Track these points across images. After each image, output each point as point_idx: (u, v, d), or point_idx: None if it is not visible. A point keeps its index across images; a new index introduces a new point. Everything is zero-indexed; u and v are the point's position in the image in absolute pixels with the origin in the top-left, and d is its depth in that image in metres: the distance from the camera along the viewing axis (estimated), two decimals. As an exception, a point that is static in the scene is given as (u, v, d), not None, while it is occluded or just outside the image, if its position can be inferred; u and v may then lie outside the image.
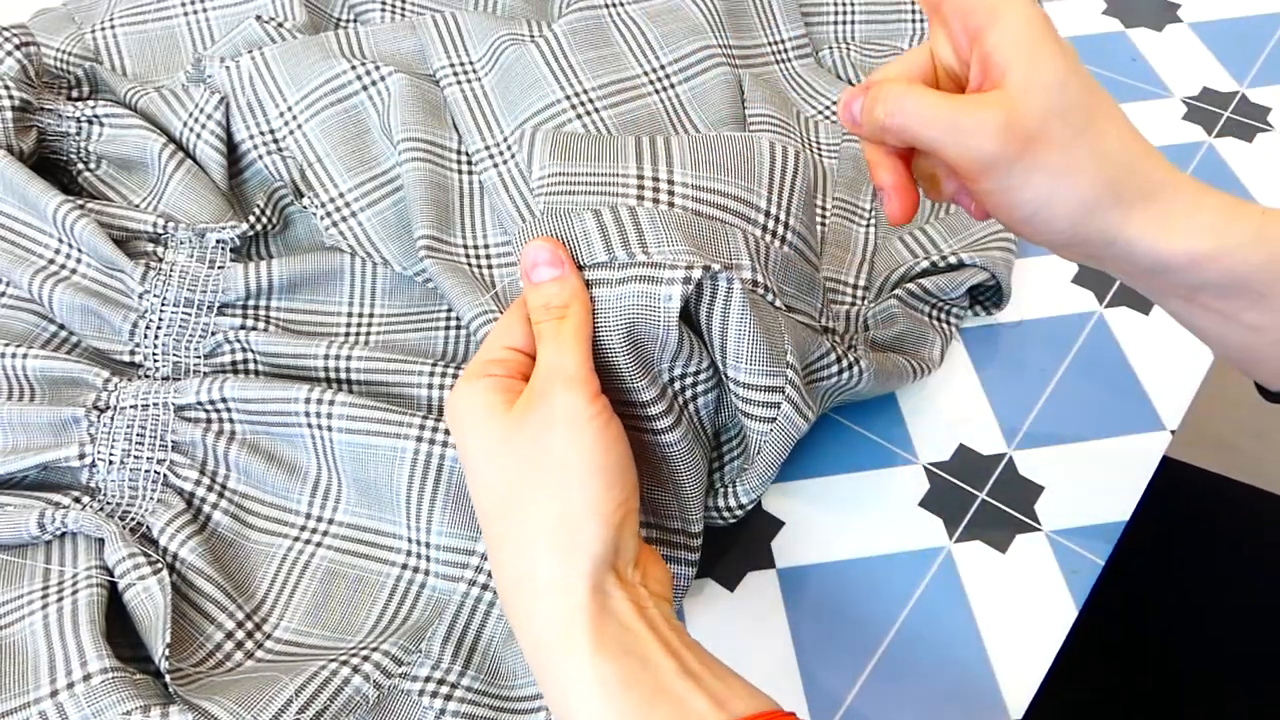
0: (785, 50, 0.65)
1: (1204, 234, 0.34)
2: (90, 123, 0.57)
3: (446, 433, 0.44)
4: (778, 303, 0.40)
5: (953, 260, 0.51)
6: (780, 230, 0.40)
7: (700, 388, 0.40)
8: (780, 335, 0.39)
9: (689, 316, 0.38)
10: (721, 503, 0.43)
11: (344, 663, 0.40)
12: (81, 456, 0.46)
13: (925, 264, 0.51)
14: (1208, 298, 0.35)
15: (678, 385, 0.40)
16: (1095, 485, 0.47)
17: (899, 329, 0.50)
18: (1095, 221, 0.34)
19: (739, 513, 0.43)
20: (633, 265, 0.36)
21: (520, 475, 0.33)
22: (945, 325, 0.51)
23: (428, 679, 0.40)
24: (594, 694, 0.30)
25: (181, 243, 0.53)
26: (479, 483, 0.34)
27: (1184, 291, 0.36)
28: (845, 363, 0.44)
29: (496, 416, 0.34)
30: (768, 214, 0.40)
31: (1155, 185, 0.34)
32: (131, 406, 0.47)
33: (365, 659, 0.40)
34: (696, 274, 0.36)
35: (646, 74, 0.58)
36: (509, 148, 0.57)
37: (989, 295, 0.52)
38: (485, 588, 0.43)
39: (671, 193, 0.38)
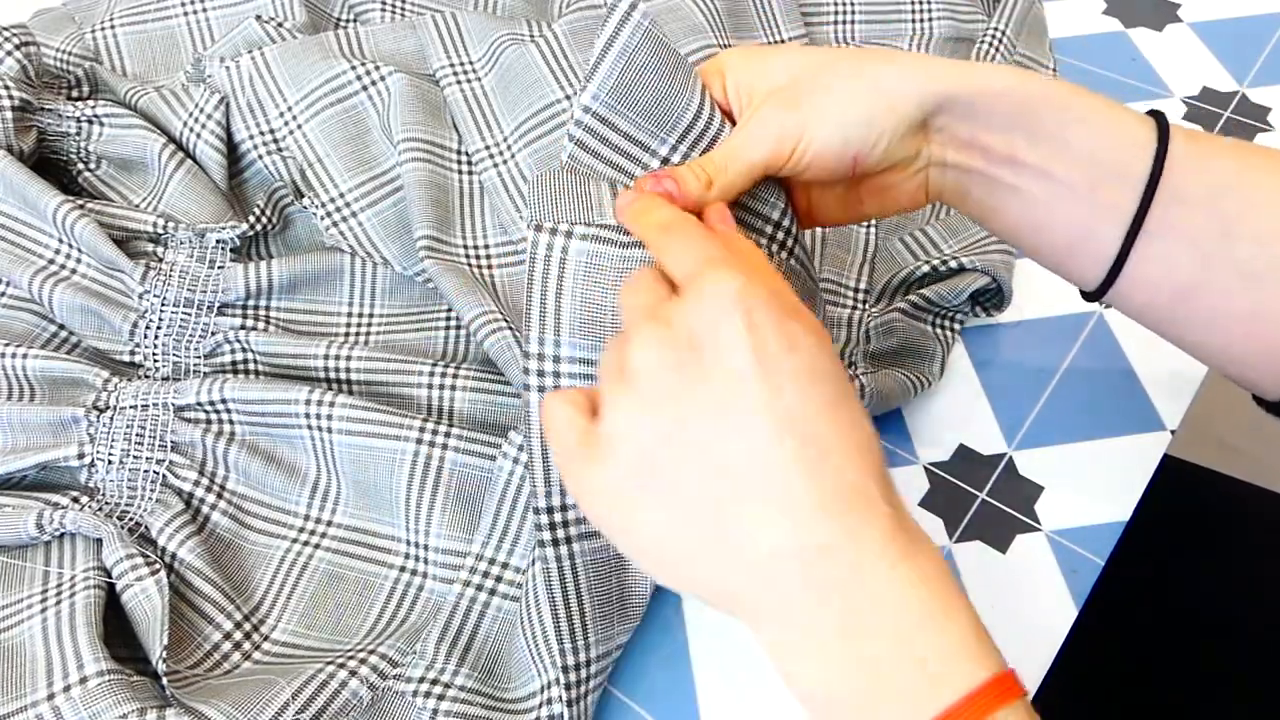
0: (785, 50, 0.65)
1: (970, 77, 0.37)
2: (90, 123, 0.57)
3: (446, 435, 0.44)
4: None
5: (953, 264, 0.51)
6: (789, 243, 0.40)
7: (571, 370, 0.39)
8: None
9: None
10: None
11: (341, 665, 0.40)
12: (81, 456, 0.46)
13: (926, 268, 0.51)
14: (989, 136, 0.37)
15: None
16: (1095, 485, 0.47)
17: (899, 340, 0.50)
18: (902, 118, 0.36)
19: None
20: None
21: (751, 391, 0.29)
22: (948, 333, 0.52)
23: (421, 679, 0.40)
24: (948, 590, 0.29)
25: (181, 243, 0.53)
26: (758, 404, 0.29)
27: (970, 135, 0.37)
28: (861, 390, 0.45)
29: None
30: (777, 225, 0.40)
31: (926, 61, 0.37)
32: (131, 406, 0.47)
33: (362, 661, 0.40)
34: None
35: (646, 74, 0.58)
36: (509, 148, 0.57)
37: (990, 298, 0.52)
38: (480, 589, 0.43)
39: None
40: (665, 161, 0.38)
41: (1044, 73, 0.64)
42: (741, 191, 0.37)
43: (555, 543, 0.38)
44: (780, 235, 0.40)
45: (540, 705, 0.39)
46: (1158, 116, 0.37)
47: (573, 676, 0.39)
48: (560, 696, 0.39)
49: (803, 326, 0.30)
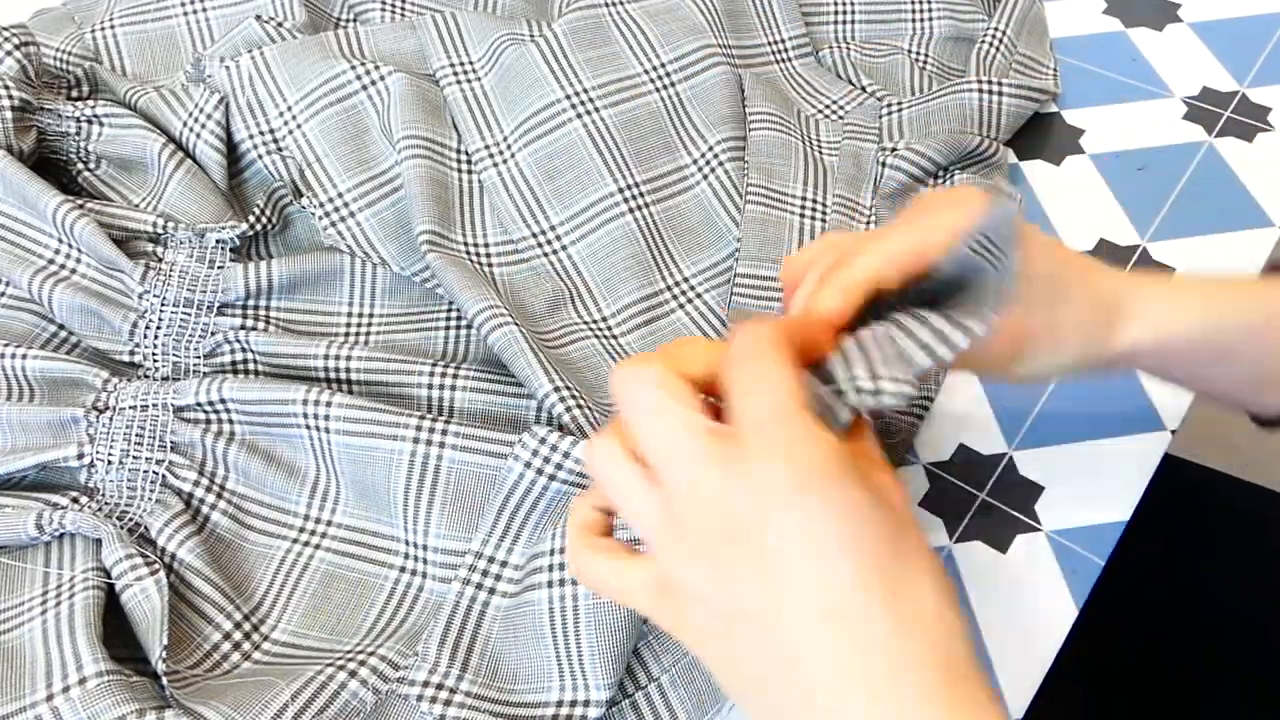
0: (785, 50, 0.65)
1: (1160, 324, 0.38)
2: (90, 123, 0.57)
3: (444, 433, 0.44)
4: None
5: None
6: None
7: None
8: None
9: None
10: None
11: (340, 667, 0.40)
12: (80, 456, 0.46)
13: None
14: (1173, 367, 0.41)
15: None
16: (1095, 485, 0.47)
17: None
18: (1092, 351, 0.38)
19: None
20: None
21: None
22: None
23: (425, 683, 0.40)
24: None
25: (181, 243, 0.53)
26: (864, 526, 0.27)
27: (1157, 365, 0.41)
28: None
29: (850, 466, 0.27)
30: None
31: (1121, 299, 0.38)
32: (131, 407, 0.47)
33: (362, 663, 0.40)
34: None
35: (647, 73, 0.58)
36: (509, 147, 0.57)
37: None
38: (480, 587, 0.43)
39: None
40: None
41: (1045, 73, 0.64)
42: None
43: None
44: None
45: (570, 718, 0.39)
46: None
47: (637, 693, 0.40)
48: (587, 716, 0.39)
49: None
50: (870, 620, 0.26)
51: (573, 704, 0.40)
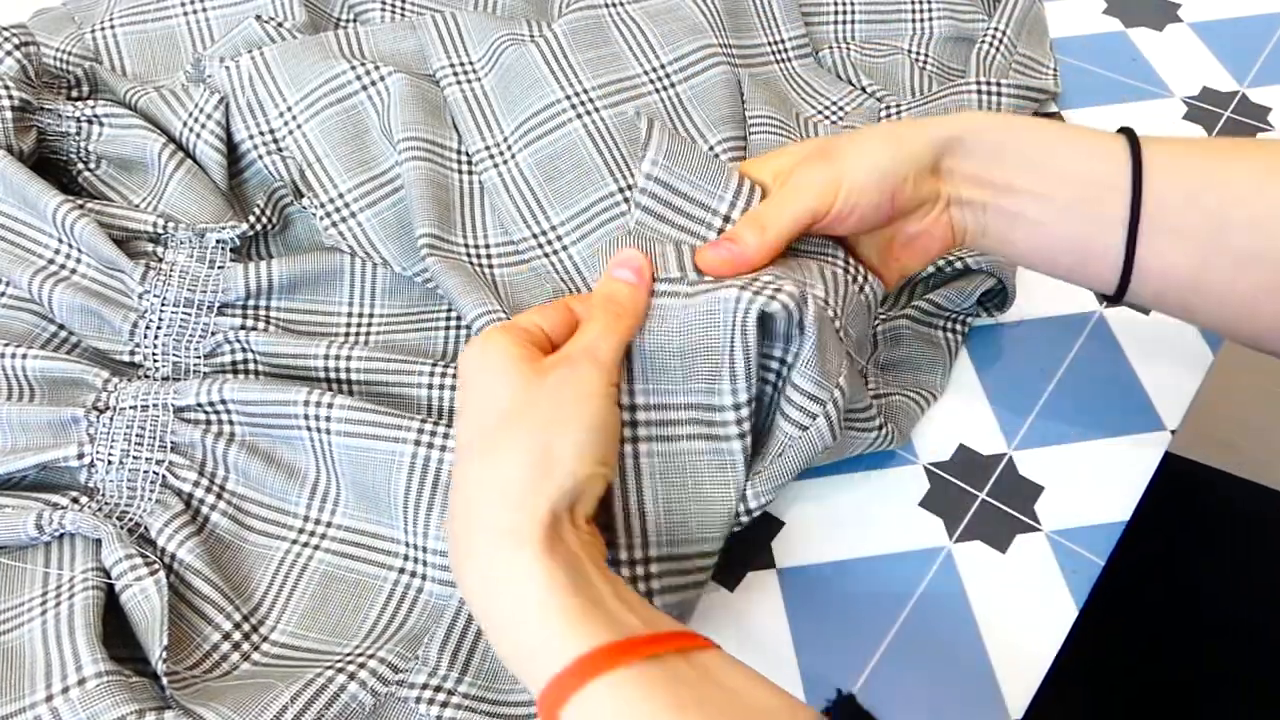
0: (785, 50, 0.65)
1: (962, 120, 0.42)
2: (90, 123, 0.57)
3: (445, 437, 0.44)
4: (842, 335, 0.41)
5: (958, 265, 0.51)
6: (860, 280, 0.43)
7: (744, 413, 0.40)
8: (837, 359, 0.40)
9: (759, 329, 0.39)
10: None
11: (340, 669, 0.40)
12: (80, 456, 0.46)
13: (930, 269, 0.51)
14: (988, 169, 0.41)
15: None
16: (1095, 485, 0.47)
17: (905, 351, 0.51)
18: (913, 159, 0.41)
19: (744, 519, 0.42)
20: (702, 283, 0.39)
21: (523, 408, 0.36)
22: (957, 337, 0.52)
23: (424, 685, 0.40)
24: (542, 586, 0.32)
25: (181, 243, 0.53)
26: (481, 401, 0.37)
27: (974, 170, 0.42)
28: (881, 420, 0.46)
29: (525, 360, 0.37)
30: (850, 263, 0.43)
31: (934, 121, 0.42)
32: (131, 407, 0.47)
33: (362, 666, 0.40)
34: (762, 296, 0.38)
35: (646, 73, 0.58)
36: (509, 148, 0.57)
37: (994, 298, 0.52)
38: None
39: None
40: (727, 219, 0.41)
41: (1045, 73, 0.64)
42: (791, 239, 0.41)
43: None
44: (854, 271, 0.43)
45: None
46: (1127, 132, 0.41)
47: None
48: None
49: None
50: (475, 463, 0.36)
51: None
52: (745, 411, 0.40)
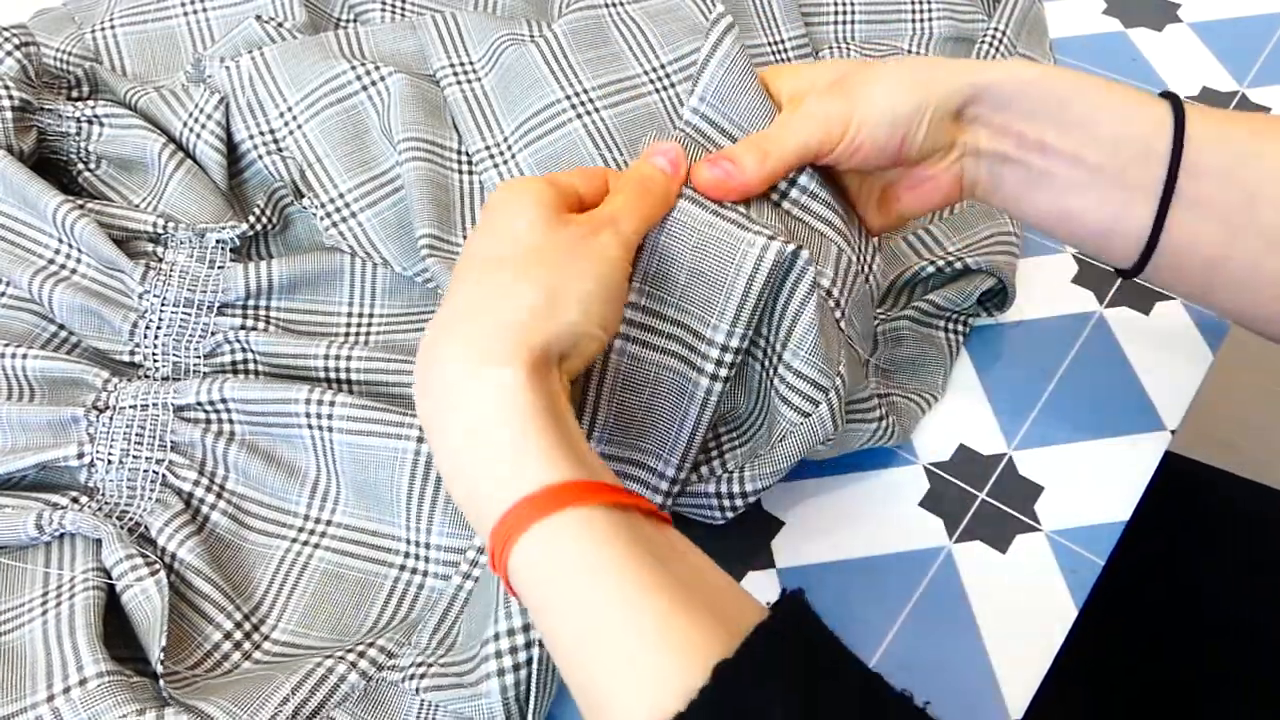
0: (785, 50, 0.65)
1: (1002, 68, 0.40)
2: (90, 123, 0.57)
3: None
4: (843, 325, 0.41)
5: (958, 265, 0.51)
6: (866, 270, 0.43)
7: (727, 358, 0.40)
8: (838, 348, 0.40)
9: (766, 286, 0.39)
10: (724, 489, 0.42)
11: (340, 659, 0.40)
12: (80, 456, 0.46)
13: (931, 268, 0.51)
14: (1021, 123, 0.39)
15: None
16: (1095, 485, 0.47)
17: (906, 351, 0.51)
18: (936, 92, 0.39)
19: (739, 504, 0.42)
20: (728, 209, 0.39)
21: (538, 249, 0.34)
22: (958, 337, 0.52)
23: (411, 664, 0.40)
24: (521, 408, 0.31)
25: (181, 243, 0.53)
26: (498, 231, 0.36)
27: (1003, 123, 0.40)
28: (882, 413, 0.46)
29: (552, 208, 0.36)
30: (862, 249, 0.42)
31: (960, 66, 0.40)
32: (131, 406, 0.47)
33: (361, 655, 0.40)
34: (789, 247, 0.38)
35: (646, 73, 0.58)
36: (509, 148, 0.57)
37: (993, 298, 0.52)
38: (467, 577, 0.43)
39: (787, 193, 0.41)
40: None
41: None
42: (791, 169, 0.40)
43: None
44: (863, 259, 0.43)
45: (498, 654, 0.38)
46: (1171, 98, 0.39)
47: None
48: (520, 645, 0.38)
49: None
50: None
51: (509, 633, 0.38)
52: (729, 356, 0.39)
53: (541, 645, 0.38)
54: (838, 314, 0.41)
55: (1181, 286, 0.41)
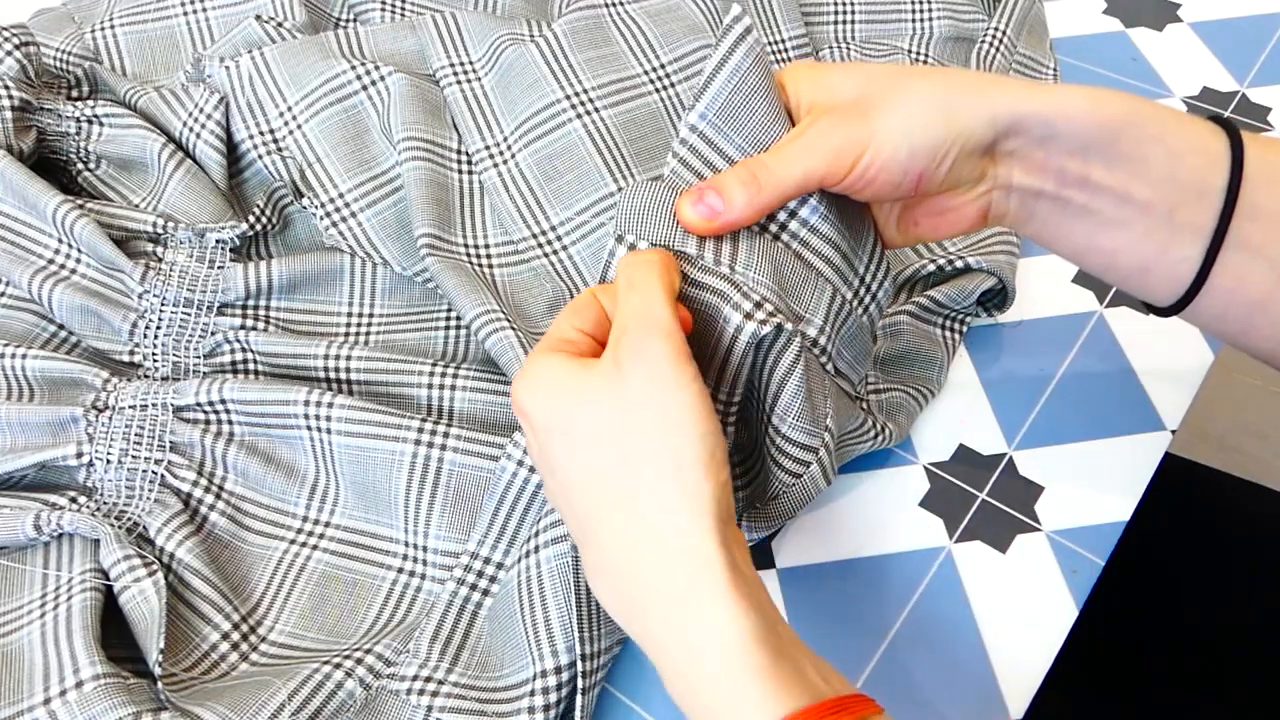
0: (785, 50, 0.65)
1: (1046, 98, 0.36)
2: (90, 123, 0.57)
3: (445, 435, 0.44)
4: (829, 367, 0.40)
5: (959, 265, 0.51)
6: (867, 300, 0.41)
7: (731, 412, 0.39)
8: (823, 399, 0.39)
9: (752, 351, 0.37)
10: None
11: (337, 665, 0.40)
12: (79, 456, 0.46)
13: (932, 267, 0.51)
14: (1065, 159, 0.36)
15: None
16: (1095, 485, 0.47)
17: (905, 345, 0.51)
18: (963, 123, 0.35)
19: None
20: (714, 271, 0.36)
21: (627, 427, 0.32)
22: (955, 335, 0.52)
23: (415, 677, 0.40)
24: (733, 646, 0.30)
25: (181, 243, 0.53)
26: (583, 442, 0.33)
27: (1044, 158, 0.36)
28: (878, 428, 0.45)
29: (588, 372, 0.33)
30: (863, 280, 0.40)
31: (990, 84, 0.36)
32: (130, 406, 0.47)
33: (358, 661, 0.40)
34: (765, 329, 0.35)
35: (646, 73, 0.58)
36: (509, 148, 0.57)
37: (994, 297, 0.52)
38: (474, 588, 0.43)
39: (786, 224, 0.38)
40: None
41: (1045, 73, 0.64)
42: (788, 200, 0.37)
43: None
44: (863, 292, 0.41)
45: (532, 694, 0.39)
46: (1227, 125, 0.36)
47: (584, 666, 0.38)
48: (554, 685, 0.38)
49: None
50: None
51: (542, 674, 0.39)
52: (732, 410, 0.38)
53: (584, 692, 0.38)
54: (824, 359, 0.39)
55: (1219, 326, 0.38)
